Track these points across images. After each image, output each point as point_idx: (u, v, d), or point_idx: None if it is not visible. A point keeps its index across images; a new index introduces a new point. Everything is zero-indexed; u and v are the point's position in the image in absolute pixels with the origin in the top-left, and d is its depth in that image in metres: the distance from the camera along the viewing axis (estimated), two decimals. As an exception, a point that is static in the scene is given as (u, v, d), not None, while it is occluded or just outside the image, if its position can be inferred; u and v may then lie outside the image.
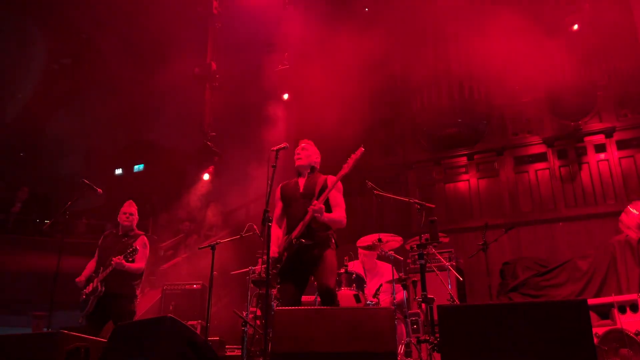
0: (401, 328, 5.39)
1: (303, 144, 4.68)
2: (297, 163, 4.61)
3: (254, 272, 6.21)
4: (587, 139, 9.21)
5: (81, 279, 5.44)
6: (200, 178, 10.78)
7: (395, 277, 5.60)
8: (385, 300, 5.72)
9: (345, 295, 5.15)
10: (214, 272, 5.37)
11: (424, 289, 4.93)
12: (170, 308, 7.75)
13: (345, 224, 4.39)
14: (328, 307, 4.01)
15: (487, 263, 6.08)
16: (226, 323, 7.40)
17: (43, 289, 6.17)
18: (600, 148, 9.10)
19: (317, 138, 4.83)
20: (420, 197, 9.29)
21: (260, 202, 4.01)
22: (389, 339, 3.18)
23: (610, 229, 7.80)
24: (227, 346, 6.83)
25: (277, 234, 4.54)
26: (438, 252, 6.44)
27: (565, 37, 9.18)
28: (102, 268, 5.30)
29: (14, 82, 13.46)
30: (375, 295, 5.47)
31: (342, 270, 5.31)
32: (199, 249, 6.18)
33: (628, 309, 5.41)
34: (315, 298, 4.41)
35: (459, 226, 9.39)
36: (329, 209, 4.36)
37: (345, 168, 4.26)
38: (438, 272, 5.99)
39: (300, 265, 4.28)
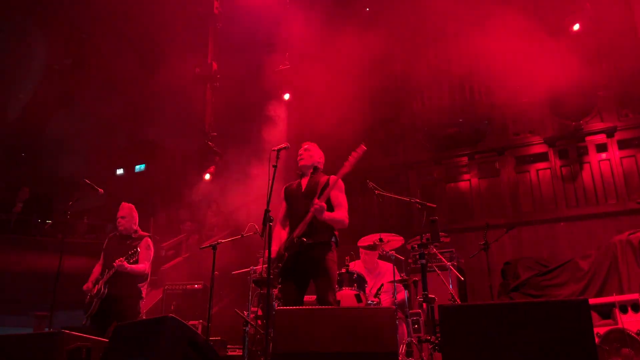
0: (402, 328, 5.39)
1: (306, 146, 4.69)
2: (300, 163, 4.63)
3: (255, 272, 6.21)
4: (588, 138, 9.21)
5: (88, 285, 5.42)
6: (202, 178, 10.79)
7: (396, 277, 5.59)
8: (386, 300, 5.71)
9: (347, 295, 5.15)
10: (215, 272, 5.36)
11: (425, 288, 4.92)
12: (172, 308, 7.76)
13: (347, 223, 4.38)
14: (329, 307, 4.00)
15: (488, 263, 6.07)
16: (227, 323, 7.40)
17: (44, 289, 6.18)
18: (602, 148, 9.10)
19: (318, 138, 4.84)
20: (421, 197, 9.29)
21: (261, 202, 4.01)
22: (390, 338, 3.18)
23: (612, 228, 7.80)
24: (228, 346, 6.83)
25: (279, 234, 4.54)
26: (439, 252, 6.44)
27: (566, 37, 9.18)
28: (106, 270, 5.30)
29: (14, 83, 13.47)
30: (377, 295, 5.47)
31: (343, 270, 5.31)
32: (200, 248, 6.18)
33: (629, 308, 5.40)
34: (316, 298, 4.41)
35: (460, 226, 9.39)
36: (331, 208, 4.36)
37: (347, 166, 4.25)
38: (439, 272, 5.98)
39: (302, 265, 4.28)
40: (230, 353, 6.71)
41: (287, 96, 10.67)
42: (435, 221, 5.22)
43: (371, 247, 5.66)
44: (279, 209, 4.65)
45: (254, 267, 6.28)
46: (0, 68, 12.94)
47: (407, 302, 5.62)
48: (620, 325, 5.29)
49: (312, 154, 4.63)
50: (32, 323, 8.41)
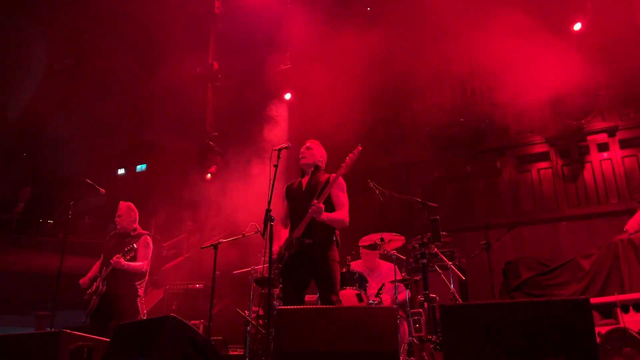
0: (404, 327, 5.39)
1: (308, 144, 4.65)
2: (301, 162, 4.60)
3: (256, 272, 6.21)
4: (589, 138, 9.19)
5: (85, 280, 5.45)
6: (203, 178, 10.79)
7: (397, 277, 5.59)
8: (387, 299, 5.71)
9: (348, 294, 5.14)
10: (217, 272, 5.37)
11: (426, 288, 4.92)
12: (173, 307, 7.77)
13: (347, 223, 4.35)
14: (330, 307, 4.00)
15: (490, 262, 6.07)
16: (229, 322, 7.40)
17: (46, 288, 6.19)
18: (603, 147, 9.09)
19: (319, 137, 4.82)
20: (422, 196, 9.28)
21: (262, 201, 4.01)
22: (391, 338, 3.17)
23: (613, 228, 7.78)
24: (229, 345, 6.84)
25: (281, 233, 4.54)
26: (440, 252, 6.43)
27: (567, 36, 9.16)
28: (104, 268, 5.32)
29: (16, 83, 13.49)
30: (378, 294, 5.46)
31: (345, 270, 5.30)
32: (202, 248, 6.19)
33: (631, 308, 5.40)
34: (318, 297, 4.40)
35: (462, 225, 9.37)
36: (331, 208, 4.34)
37: (344, 167, 4.24)
38: (440, 272, 5.98)
39: (302, 265, 4.27)
40: (231, 353, 6.72)
41: (288, 96, 10.67)
42: (437, 220, 5.21)
43: (372, 247, 5.65)
44: (280, 208, 4.64)
45: (255, 267, 6.29)
46: (1, 68, 12.96)
47: (409, 301, 5.62)
48: (621, 325, 5.28)
49: (314, 152, 4.60)
50: (33, 323, 8.43)
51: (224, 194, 9.35)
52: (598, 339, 5.15)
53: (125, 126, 14.05)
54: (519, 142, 9.77)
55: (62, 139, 13.34)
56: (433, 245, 5.42)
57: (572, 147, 9.28)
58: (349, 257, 5.82)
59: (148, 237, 5.64)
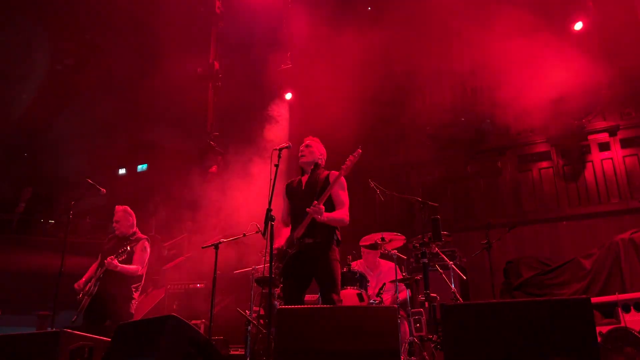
0: (404, 327, 5.39)
1: (307, 141, 4.65)
2: (301, 160, 4.59)
3: (256, 271, 6.21)
4: (590, 137, 9.18)
5: (80, 282, 5.45)
6: (204, 178, 10.79)
7: (398, 276, 5.59)
8: (388, 299, 5.71)
9: (349, 294, 5.14)
10: (217, 272, 5.37)
11: (426, 287, 4.92)
12: (174, 307, 7.77)
13: (347, 222, 4.35)
14: (331, 306, 4.00)
15: (491, 262, 6.07)
16: (230, 322, 7.40)
17: (47, 288, 6.20)
18: (604, 146, 9.08)
19: (320, 137, 4.82)
20: (422, 196, 9.26)
21: (263, 201, 4.01)
22: (392, 337, 3.17)
23: (614, 227, 7.77)
24: (230, 345, 6.84)
25: (281, 232, 4.53)
26: (441, 251, 6.43)
27: (569, 36, 9.15)
28: (99, 269, 5.33)
29: (17, 83, 13.51)
30: (379, 294, 5.46)
31: (345, 269, 5.30)
32: (203, 248, 6.19)
33: (632, 307, 5.39)
34: (318, 297, 4.40)
35: (462, 225, 9.37)
36: (331, 206, 4.33)
37: (344, 169, 4.23)
38: (441, 271, 5.98)
39: (303, 265, 4.26)
40: (232, 352, 6.72)
41: (288, 95, 10.66)
42: (437, 220, 5.21)
43: (373, 246, 5.65)
44: (281, 206, 4.64)
45: (256, 267, 6.29)
46: (3, 68, 12.97)
47: (409, 301, 5.62)
48: (622, 324, 5.27)
49: (313, 149, 4.59)
50: (34, 322, 8.44)
51: (224, 193, 9.35)
52: (599, 339, 5.15)
53: (125, 126, 14.05)
54: (520, 141, 9.76)
55: (63, 139, 13.35)
56: (434, 245, 5.42)
57: (573, 147, 9.26)
58: (350, 257, 5.82)
59: (146, 241, 5.63)
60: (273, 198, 4.14)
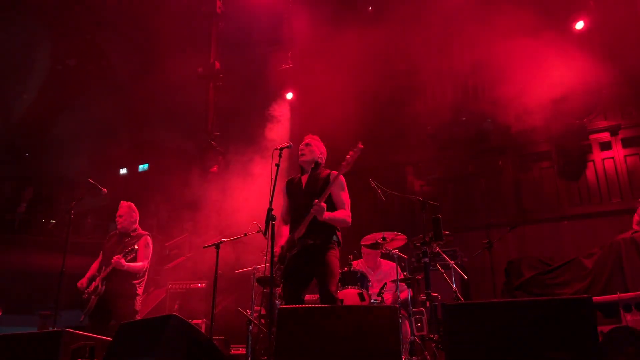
0: (405, 326, 5.38)
1: (307, 140, 4.63)
2: (301, 159, 4.58)
3: (258, 271, 6.21)
4: (592, 137, 9.17)
5: (82, 281, 5.46)
6: (205, 177, 10.79)
7: (399, 276, 5.59)
8: (389, 298, 5.71)
9: (350, 293, 5.14)
10: (219, 271, 5.38)
11: (427, 287, 4.92)
12: (175, 307, 7.77)
13: (350, 222, 4.33)
14: (332, 306, 4.00)
15: (492, 262, 6.07)
16: (231, 322, 7.41)
17: (48, 288, 6.21)
18: (606, 146, 9.06)
19: (321, 136, 4.82)
20: (423, 195, 9.26)
21: (264, 200, 4.00)
22: (393, 337, 3.17)
23: (616, 227, 7.76)
24: (231, 345, 6.85)
25: (282, 230, 4.53)
26: (442, 251, 6.43)
27: (570, 35, 9.14)
28: (104, 267, 5.34)
29: (19, 83, 13.52)
30: (380, 293, 5.46)
31: (346, 269, 5.30)
32: (204, 247, 6.20)
33: (633, 307, 5.39)
34: (319, 297, 4.40)
35: (463, 224, 9.36)
36: (332, 206, 4.32)
37: (344, 165, 4.21)
38: (442, 271, 5.98)
39: (304, 265, 4.26)
40: (233, 352, 6.73)
41: (289, 95, 10.66)
42: (438, 219, 5.21)
43: (374, 246, 5.66)
44: (281, 204, 4.63)
45: (257, 266, 6.29)
46: (4, 68, 12.99)
47: (410, 300, 5.62)
48: (624, 324, 5.27)
49: (313, 148, 4.58)
50: (36, 322, 8.45)
51: (225, 193, 9.35)
52: (600, 338, 5.14)
53: (127, 126, 14.07)
54: (521, 141, 9.74)
55: (64, 138, 13.37)
56: (435, 244, 5.42)
57: (574, 146, 9.25)
58: (351, 257, 5.82)
59: (148, 237, 5.67)
60: (274, 197, 4.14)
